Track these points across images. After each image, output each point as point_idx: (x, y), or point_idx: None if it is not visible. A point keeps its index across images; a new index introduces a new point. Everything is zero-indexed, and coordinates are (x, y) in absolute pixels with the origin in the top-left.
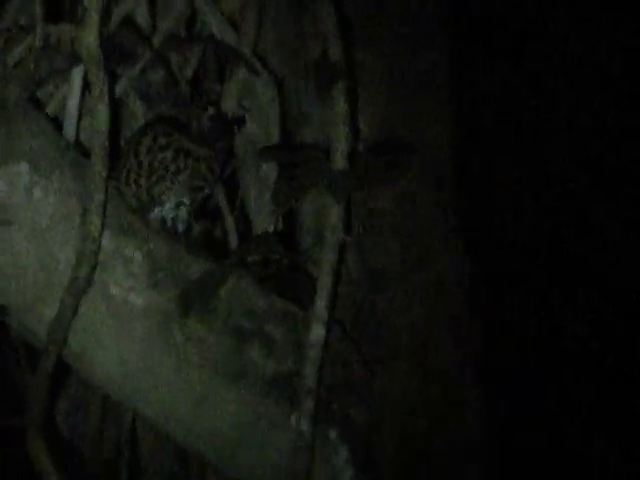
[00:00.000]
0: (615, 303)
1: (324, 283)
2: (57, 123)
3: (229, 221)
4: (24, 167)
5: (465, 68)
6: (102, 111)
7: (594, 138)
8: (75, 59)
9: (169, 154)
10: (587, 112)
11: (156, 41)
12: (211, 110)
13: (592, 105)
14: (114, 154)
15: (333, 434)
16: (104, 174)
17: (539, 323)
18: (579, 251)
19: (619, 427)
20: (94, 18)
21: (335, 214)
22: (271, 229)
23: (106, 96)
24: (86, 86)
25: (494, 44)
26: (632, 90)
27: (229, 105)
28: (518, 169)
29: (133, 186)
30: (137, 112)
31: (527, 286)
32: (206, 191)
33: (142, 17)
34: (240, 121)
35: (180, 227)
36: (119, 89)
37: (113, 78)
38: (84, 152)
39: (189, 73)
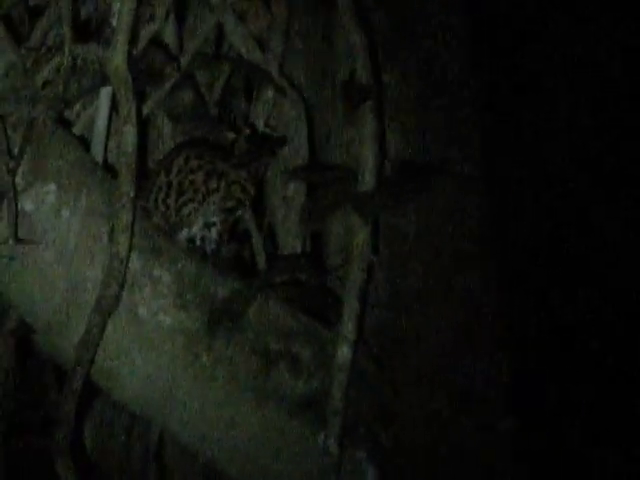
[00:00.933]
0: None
1: (351, 303)
2: (85, 143)
3: (257, 241)
4: (52, 187)
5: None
6: (130, 131)
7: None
8: (103, 79)
9: (200, 176)
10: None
11: (184, 61)
12: (247, 131)
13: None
14: (142, 174)
15: (360, 455)
16: (132, 194)
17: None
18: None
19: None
20: (122, 38)
21: (362, 235)
22: (298, 249)
23: (134, 116)
24: (114, 106)
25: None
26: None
27: (256, 124)
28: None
29: (162, 207)
30: (165, 132)
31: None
32: (239, 212)
33: (170, 37)
34: (281, 143)
35: (209, 248)
36: (147, 109)
37: (141, 98)
38: (112, 172)
39: (217, 93)
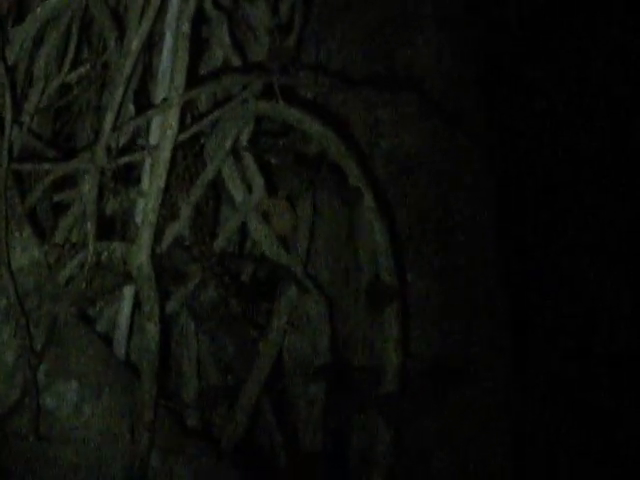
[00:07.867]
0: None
1: None
2: (107, 341)
3: (277, 437)
4: (73, 385)
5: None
6: (152, 330)
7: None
8: (126, 277)
9: None
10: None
11: (207, 259)
12: None
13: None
14: (163, 372)
15: None
16: (153, 392)
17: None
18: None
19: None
20: (146, 237)
21: (385, 438)
22: (320, 449)
23: (157, 315)
24: (137, 304)
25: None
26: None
27: (279, 323)
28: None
29: None
30: (188, 331)
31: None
32: None
33: (193, 237)
34: None
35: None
36: (169, 308)
37: (164, 297)
38: (134, 370)
39: (240, 291)
